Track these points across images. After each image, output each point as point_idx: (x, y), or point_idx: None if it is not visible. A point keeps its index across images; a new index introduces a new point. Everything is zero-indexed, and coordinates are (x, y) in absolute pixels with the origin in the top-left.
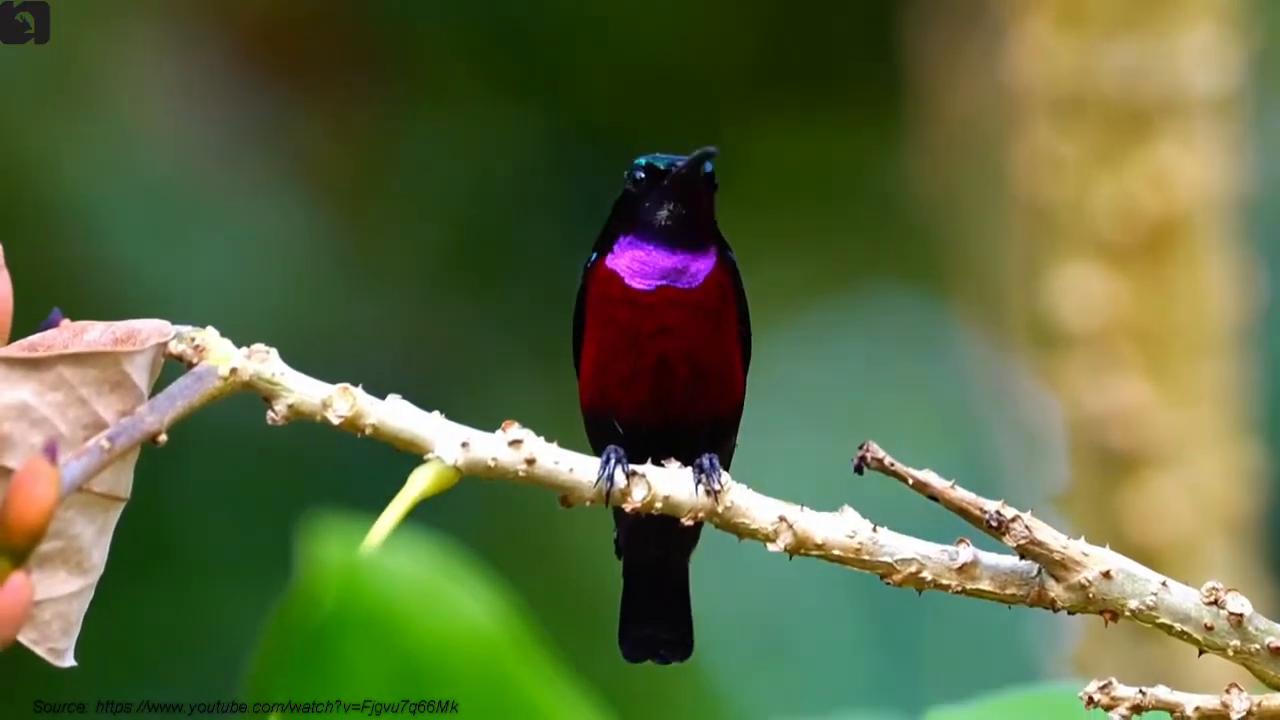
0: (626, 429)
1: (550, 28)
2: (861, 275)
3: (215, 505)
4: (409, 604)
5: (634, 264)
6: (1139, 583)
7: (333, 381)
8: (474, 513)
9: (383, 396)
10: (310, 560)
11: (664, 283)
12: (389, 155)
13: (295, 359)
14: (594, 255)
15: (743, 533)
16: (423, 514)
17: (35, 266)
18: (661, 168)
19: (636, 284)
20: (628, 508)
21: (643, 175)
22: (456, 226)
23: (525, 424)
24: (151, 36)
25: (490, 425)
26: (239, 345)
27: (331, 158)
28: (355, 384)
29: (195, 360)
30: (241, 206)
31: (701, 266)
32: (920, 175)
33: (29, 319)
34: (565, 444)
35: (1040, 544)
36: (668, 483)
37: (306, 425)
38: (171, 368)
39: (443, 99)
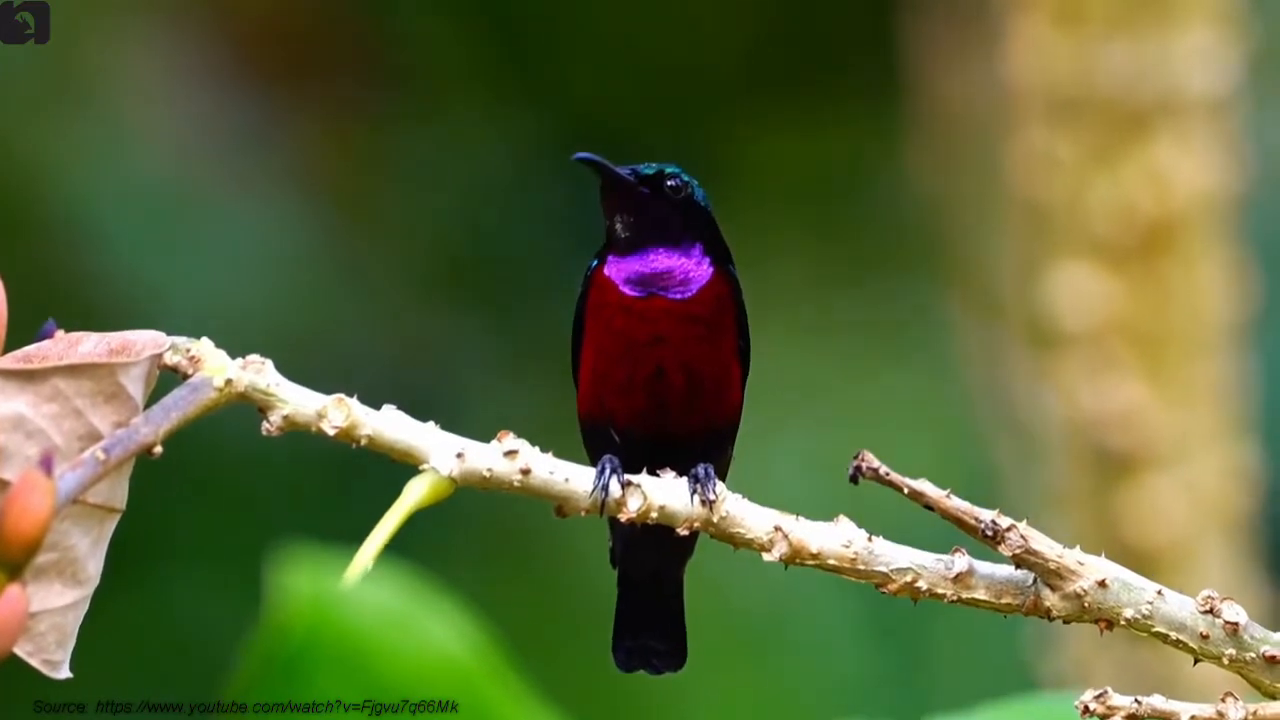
0: (623, 438)
1: (546, 31)
2: (858, 274)
3: (219, 505)
4: (379, 634)
5: (621, 272)
6: (1134, 591)
7: (326, 388)
8: (467, 522)
9: (376, 403)
10: (279, 591)
11: (654, 290)
12: (385, 160)
13: (288, 364)
14: (594, 262)
15: (738, 542)
16: (417, 522)
17: (31, 268)
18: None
19: (629, 291)
20: (623, 517)
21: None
22: (452, 232)
23: (518, 434)
24: (150, 39)
25: (483, 435)
26: (232, 349)
27: (328, 162)
28: (349, 390)
29: (190, 371)
30: (238, 210)
31: (695, 276)
32: (917, 174)
33: (25, 321)
34: (558, 455)
35: (1035, 553)
36: (663, 492)
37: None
38: (167, 379)
39: (439, 104)
